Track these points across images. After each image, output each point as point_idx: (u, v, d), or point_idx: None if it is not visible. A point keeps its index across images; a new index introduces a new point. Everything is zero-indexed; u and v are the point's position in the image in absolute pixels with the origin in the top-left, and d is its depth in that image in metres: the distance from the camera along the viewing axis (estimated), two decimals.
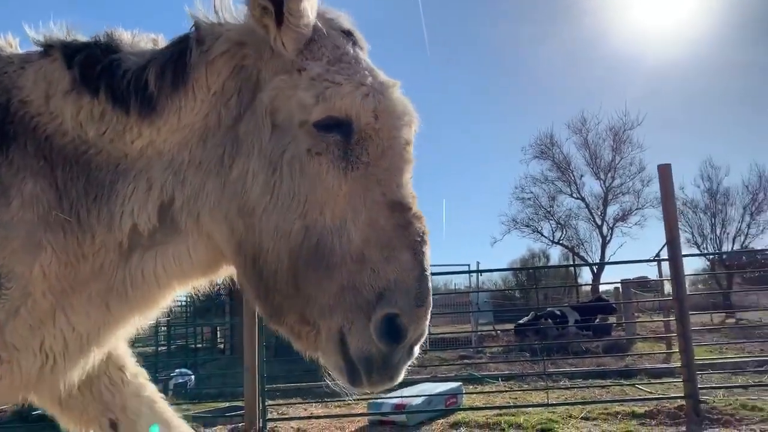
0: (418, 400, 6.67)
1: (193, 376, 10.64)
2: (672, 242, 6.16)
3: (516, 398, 7.55)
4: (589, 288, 30.43)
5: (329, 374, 1.51)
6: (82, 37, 1.69)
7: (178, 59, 1.55)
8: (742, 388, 7.13)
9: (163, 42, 1.71)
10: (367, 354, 1.34)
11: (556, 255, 45.77)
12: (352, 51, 1.54)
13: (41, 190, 1.50)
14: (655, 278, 20.54)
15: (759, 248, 34.29)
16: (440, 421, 6.45)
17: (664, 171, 6.32)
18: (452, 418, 6.45)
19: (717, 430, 5.43)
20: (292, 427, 6.71)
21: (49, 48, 1.65)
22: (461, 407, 7.03)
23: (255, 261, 1.45)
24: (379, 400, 6.97)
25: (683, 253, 6.41)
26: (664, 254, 6.57)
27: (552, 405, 6.63)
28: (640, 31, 57.76)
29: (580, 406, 6.57)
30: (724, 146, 70.52)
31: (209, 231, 1.56)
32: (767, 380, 7.66)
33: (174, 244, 1.59)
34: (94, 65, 1.57)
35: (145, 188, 1.54)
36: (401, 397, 6.81)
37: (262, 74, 1.52)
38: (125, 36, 1.67)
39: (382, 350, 1.34)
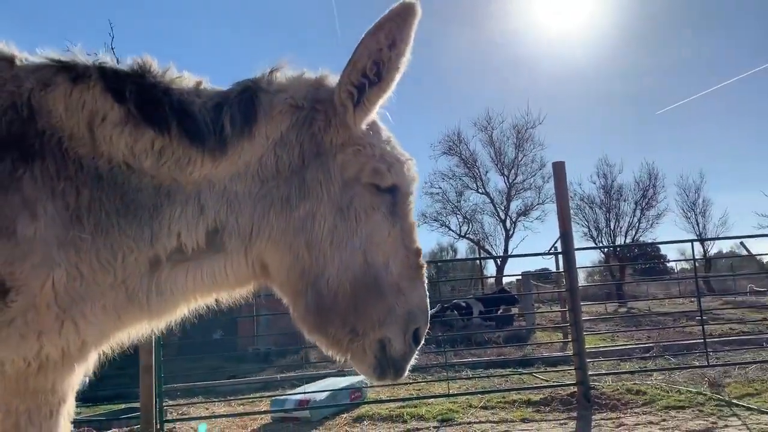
0: (322, 396, 6.63)
1: (86, 378, 10.08)
2: (565, 236, 6.44)
3: (419, 390, 7.66)
4: (493, 280, 31.43)
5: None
6: (109, 61, 1.79)
7: (248, 106, 1.82)
8: (629, 373, 7.57)
9: (207, 83, 1.91)
10: (402, 355, 1.85)
11: (463, 248, 47.05)
12: (389, 132, 2.00)
13: (64, 208, 1.61)
14: (554, 270, 21.45)
15: (649, 241, 36.49)
16: (344, 415, 6.44)
17: (559, 168, 6.59)
18: (356, 412, 6.45)
19: (605, 414, 5.74)
20: (191, 428, 6.50)
21: (75, 70, 1.73)
22: (365, 401, 7.06)
23: (316, 284, 1.80)
24: (282, 397, 6.87)
25: (578, 246, 6.72)
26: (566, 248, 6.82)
27: (453, 395, 6.78)
28: (543, 34, 60.22)
29: (479, 395, 6.76)
30: (618, 145, 74.98)
31: (263, 256, 1.84)
32: (652, 366, 8.16)
33: (210, 261, 1.80)
34: (151, 101, 1.74)
35: (197, 212, 1.75)
36: (305, 393, 6.74)
37: (329, 137, 1.86)
38: (158, 68, 1.82)
39: (410, 353, 1.88)
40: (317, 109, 1.88)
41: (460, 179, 36.31)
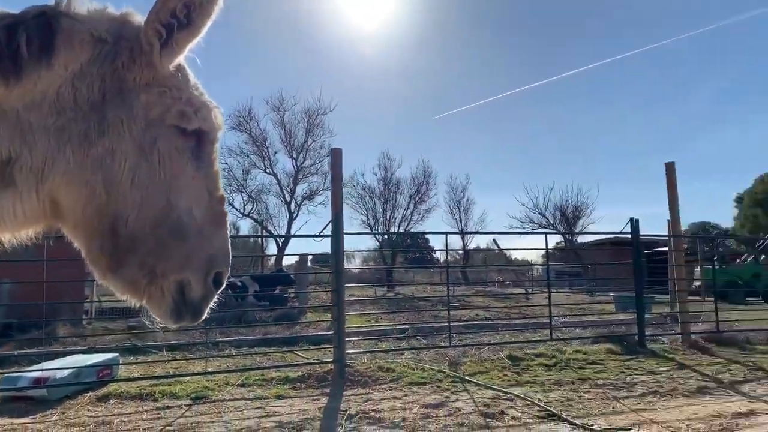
0: (64, 373, 6.06)
1: None
2: (336, 220, 6.67)
3: (177, 368, 7.39)
4: (274, 260, 31.48)
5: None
6: None
7: (47, 31, 1.69)
8: (384, 352, 8.10)
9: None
10: (201, 298, 1.83)
11: (245, 227, 46.34)
12: (196, 78, 1.95)
13: None
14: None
15: (416, 231, 39.34)
16: (89, 394, 5.97)
17: (336, 154, 6.79)
18: (103, 391, 6.02)
19: (356, 390, 6.06)
20: None
21: None
22: (115, 378, 6.62)
23: (114, 224, 1.74)
24: (15, 374, 6.16)
25: (358, 231, 6.98)
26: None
27: (211, 373, 6.66)
28: (344, 26, 61.41)
29: (239, 373, 6.72)
30: (400, 141, 79.64)
31: (56, 193, 1.72)
32: (405, 346, 8.83)
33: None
34: None
35: None
36: (42, 370, 6.11)
37: (132, 75, 1.78)
38: None
39: (210, 296, 1.87)
40: (122, 44, 1.80)
41: (248, 157, 35.68)
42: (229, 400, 5.70)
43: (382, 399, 5.65)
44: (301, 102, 36.51)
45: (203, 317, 1.90)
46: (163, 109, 1.82)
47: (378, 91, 70.91)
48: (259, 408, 5.42)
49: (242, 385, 6.27)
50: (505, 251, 36.77)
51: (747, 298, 23.47)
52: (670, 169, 9.17)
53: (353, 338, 8.96)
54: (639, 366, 7.23)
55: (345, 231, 6.77)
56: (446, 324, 8.85)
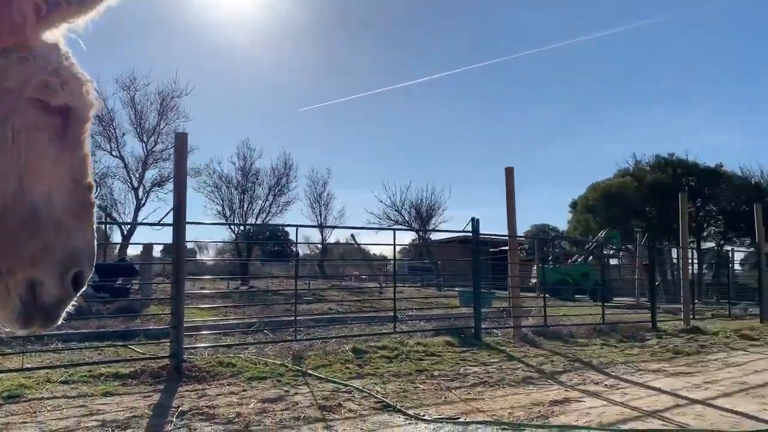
0: None
1: None
2: (178, 209, 6.37)
3: None
4: (118, 249, 29.55)
5: None
6: None
7: None
8: (227, 347, 7.89)
9: None
10: (56, 301, 1.57)
11: None
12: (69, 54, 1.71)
13: None
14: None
15: (277, 224, 38.91)
16: None
17: (181, 139, 6.50)
18: None
19: (192, 386, 5.84)
20: None
21: None
22: None
23: None
24: None
25: (214, 221, 6.71)
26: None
27: (29, 369, 6.10)
28: (205, 8, 58.97)
29: (63, 369, 6.22)
30: (262, 131, 78.37)
31: None
32: (251, 340, 8.66)
33: None
34: None
35: None
36: None
37: None
38: None
39: (67, 298, 1.60)
40: None
41: (92, 137, 33.01)
42: (48, 398, 5.25)
43: (218, 395, 5.49)
44: (155, 82, 34.47)
45: (57, 322, 1.65)
46: (23, 78, 1.58)
47: (242, 79, 69.26)
48: (81, 406, 5.04)
49: (65, 383, 5.81)
50: (362, 246, 37.31)
51: (576, 296, 25.70)
52: (509, 173, 9.81)
53: (196, 333, 8.65)
54: (473, 358, 7.66)
55: (191, 221, 6.54)
56: (293, 318, 8.80)
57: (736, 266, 34.53)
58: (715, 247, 41.87)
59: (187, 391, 5.63)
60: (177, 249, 6.35)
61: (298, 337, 8.16)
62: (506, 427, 4.52)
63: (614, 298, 25.37)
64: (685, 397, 5.56)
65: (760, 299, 16.04)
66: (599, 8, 77.78)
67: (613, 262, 36.65)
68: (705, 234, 43.31)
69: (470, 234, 9.63)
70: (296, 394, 5.57)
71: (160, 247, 25.75)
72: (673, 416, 4.83)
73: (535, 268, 27.10)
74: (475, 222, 9.34)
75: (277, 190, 36.81)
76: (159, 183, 33.73)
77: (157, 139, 33.44)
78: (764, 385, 6.24)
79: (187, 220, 6.51)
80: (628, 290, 27.20)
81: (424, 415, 4.85)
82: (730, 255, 35.13)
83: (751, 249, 26.75)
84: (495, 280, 23.41)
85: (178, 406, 5.04)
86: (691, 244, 39.52)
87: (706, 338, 10.66)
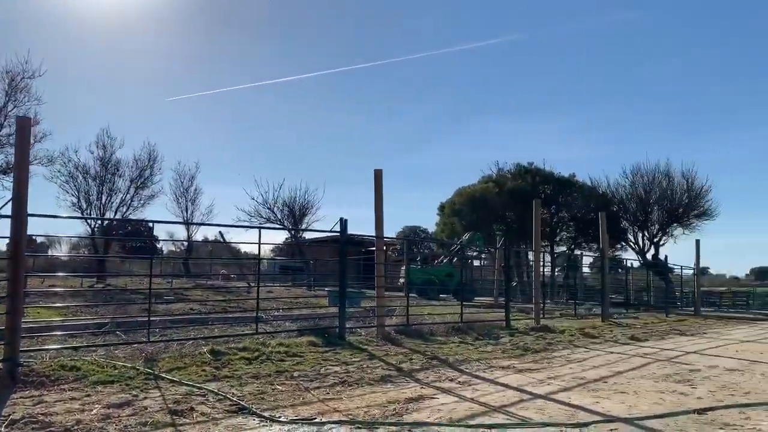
0: None
1: None
2: (18, 199, 5.84)
3: None
4: None
5: None
6: None
7: None
8: (72, 349, 7.33)
9: None
10: None
11: None
12: None
13: None
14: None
15: (138, 219, 36.76)
16: None
17: (23, 124, 5.95)
18: None
19: (27, 392, 5.36)
20: None
21: None
22: None
23: None
24: None
25: (67, 215, 6.18)
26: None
27: None
28: None
29: None
30: (125, 120, 73.98)
31: None
32: (101, 342, 8.12)
33: None
34: None
35: None
36: None
37: None
38: None
39: None
40: None
41: None
42: None
43: (58, 401, 5.08)
44: (2, 59, 31.38)
45: None
46: None
47: (103, 64, 64.84)
48: None
49: None
50: (231, 244, 36.33)
51: (441, 295, 26.67)
52: (377, 176, 9.97)
53: (39, 334, 7.99)
54: (335, 357, 7.69)
55: (39, 213, 6.02)
56: (148, 318, 8.36)
57: (585, 269, 37.66)
58: (567, 251, 45.26)
59: (21, 398, 5.16)
60: (16, 244, 5.81)
61: (152, 339, 7.76)
62: (360, 426, 4.57)
63: (475, 298, 26.66)
64: (530, 392, 5.92)
65: (602, 300, 17.55)
66: (478, 19, 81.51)
67: (477, 263, 38.57)
68: (558, 239, 46.62)
69: (339, 234, 9.68)
70: (146, 398, 5.28)
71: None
72: (517, 411, 5.13)
73: (403, 268, 27.79)
74: (343, 222, 9.40)
75: (139, 183, 34.77)
76: (4, 170, 30.74)
77: (4, 121, 30.45)
78: (599, 379, 6.81)
79: (36, 213, 6.00)
80: (489, 290, 28.62)
81: (279, 417, 4.78)
82: (580, 259, 38.19)
83: (597, 254, 29.26)
84: (367, 280, 23.73)
85: (9, 415, 4.60)
86: (546, 248, 42.47)
87: (553, 336, 11.48)
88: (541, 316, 14.20)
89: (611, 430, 4.52)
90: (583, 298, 26.72)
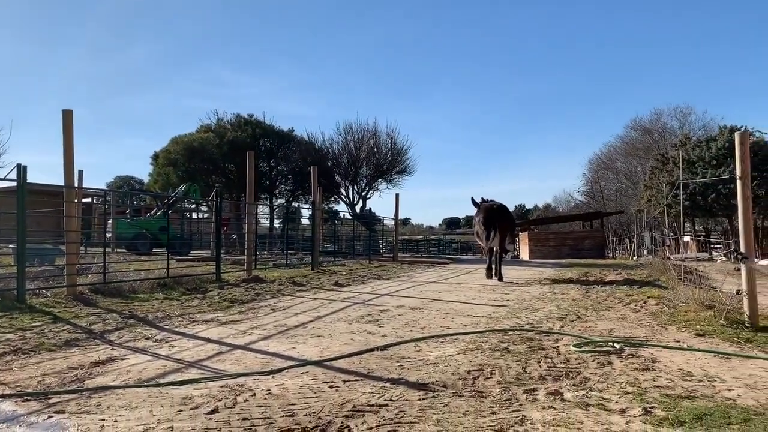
0: None
1: None
2: None
3: None
4: None
5: None
6: None
7: None
8: None
9: None
10: None
11: None
12: None
13: None
14: None
15: None
16: None
17: None
18: None
19: None
20: None
21: None
22: None
23: None
24: None
25: None
26: None
27: None
28: None
29: None
30: None
31: None
32: None
33: None
34: None
35: None
36: None
37: None
38: None
39: None
40: None
41: None
42: None
43: None
44: None
45: None
46: None
47: None
48: None
49: None
50: None
51: (155, 250, 25.26)
52: (67, 117, 8.78)
53: None
54: (10, 323, 6.70)
55: None
56: None
57: (305, 221, 39.13)
58: (285, 203, 46.44)
59: None
60: None
61: None
62: (29, 398, 4.02)
63: (192, 252, 25.85)
64: (229, 344, 5.86)
65: (312, 249, 18.36)
66: None
67: (196, 216, 37.39)
68: (277, 191, 47.51)
69: (15, 183, 8.35)
70: None
71: None
72: (213, 364, 5.02)
73: (110, 222, 25.59)
74: (21, 169, 8.10)
75: None
76: None
77: None
78: (299, 325, 7.05)
79: None
80: (209, 244, 27.93)
81: None
82: (298, 211, 39.52)
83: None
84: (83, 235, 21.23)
85: None
86: (265, 200, 43.00)
87: (263, 286, 11.64)
88: (254, 267, 14.31)
89: (302, 373, 4.69)
90: (303, 249, 27.66)
